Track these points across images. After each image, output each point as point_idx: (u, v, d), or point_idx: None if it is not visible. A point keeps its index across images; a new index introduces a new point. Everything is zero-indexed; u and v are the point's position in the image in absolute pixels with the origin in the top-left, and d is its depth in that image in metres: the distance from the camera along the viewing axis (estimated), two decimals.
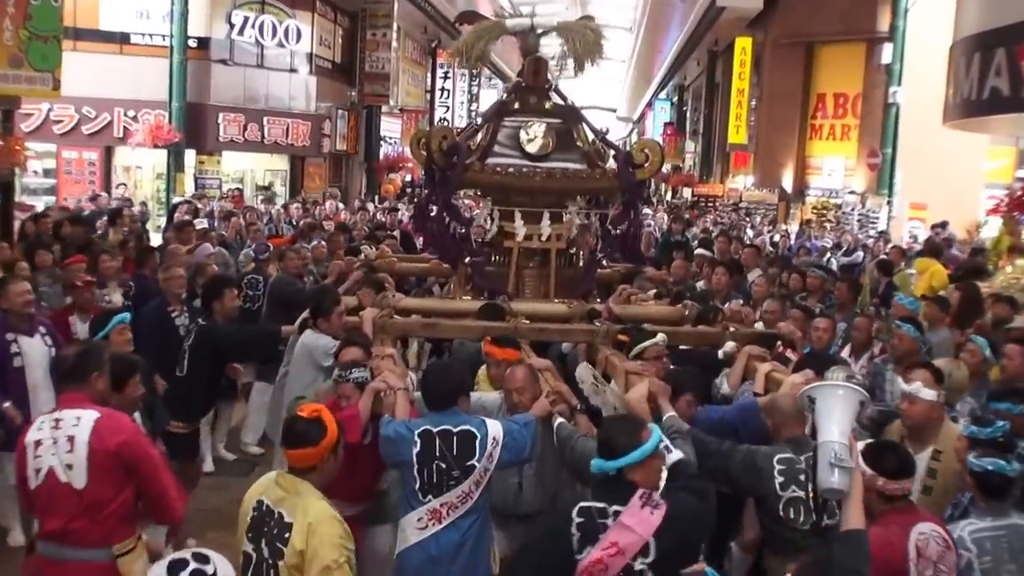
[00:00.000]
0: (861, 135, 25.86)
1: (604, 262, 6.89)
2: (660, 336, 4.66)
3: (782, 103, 27.39)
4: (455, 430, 3.75)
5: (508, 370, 4.23)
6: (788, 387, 3.99)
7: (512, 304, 6.19)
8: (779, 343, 5.39)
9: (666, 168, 43.11)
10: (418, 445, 3.73)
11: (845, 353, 6.70)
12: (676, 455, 3.21)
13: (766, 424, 3.83)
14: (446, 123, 27.71)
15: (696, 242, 14.08)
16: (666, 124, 43.70)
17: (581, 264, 6.82)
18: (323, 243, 9.87)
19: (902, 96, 22.25)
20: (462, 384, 3.89)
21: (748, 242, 13.35)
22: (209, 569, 2.31)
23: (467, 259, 6.63)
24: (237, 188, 21.75)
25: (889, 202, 22.41)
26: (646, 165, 6.51)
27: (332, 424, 3.26)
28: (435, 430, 3.76)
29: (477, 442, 3.73)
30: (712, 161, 36.13)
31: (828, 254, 15.54)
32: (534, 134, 6.61)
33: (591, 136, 6.88)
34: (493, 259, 6.73)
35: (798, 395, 3.20)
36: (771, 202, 27.65)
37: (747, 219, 23.92)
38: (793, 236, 19.35)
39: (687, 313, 6.16)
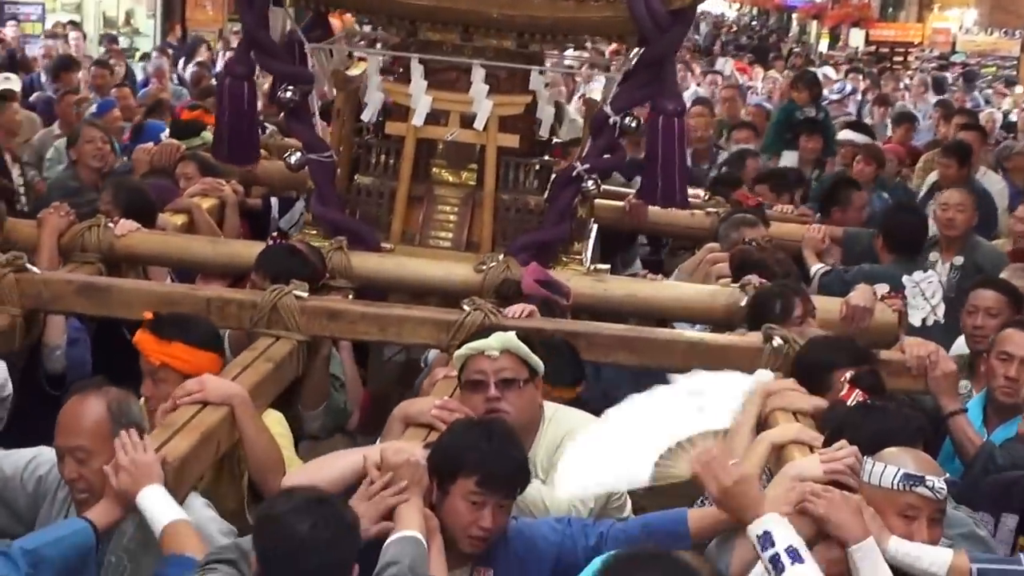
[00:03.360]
0: None
1: (590, 182, 6.40)
2: (495, 338, 4.40)
3: None
4: None
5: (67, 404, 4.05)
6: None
7: (387, 253, 6.13)
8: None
9: None
10: None
11: None
12: None
13: None
14: None
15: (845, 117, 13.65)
16: None
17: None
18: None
19: None
20: None
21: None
22: None
23: (296, 158, 6.42)
24: (71, 22, 21.38)
25: None
26: None
27: None
28: None
29: None
30: None
31: None
32: None
33: None
34: (369, 163, 6.57)
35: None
36: (1007, 54, 27.63)
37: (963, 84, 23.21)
38: None
39: (743, 303, 5.71)
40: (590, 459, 4.08)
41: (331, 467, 3.97)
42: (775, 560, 3.38)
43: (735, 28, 47.33)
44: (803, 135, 10.99)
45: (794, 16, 45.21)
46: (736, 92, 14.50)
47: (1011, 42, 27.62)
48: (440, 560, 3.67)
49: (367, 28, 8.40)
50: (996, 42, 27.87)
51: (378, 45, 7.37)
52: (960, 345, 5.80)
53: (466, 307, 5.36)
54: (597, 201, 7.13)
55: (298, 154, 6.33)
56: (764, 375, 4.89)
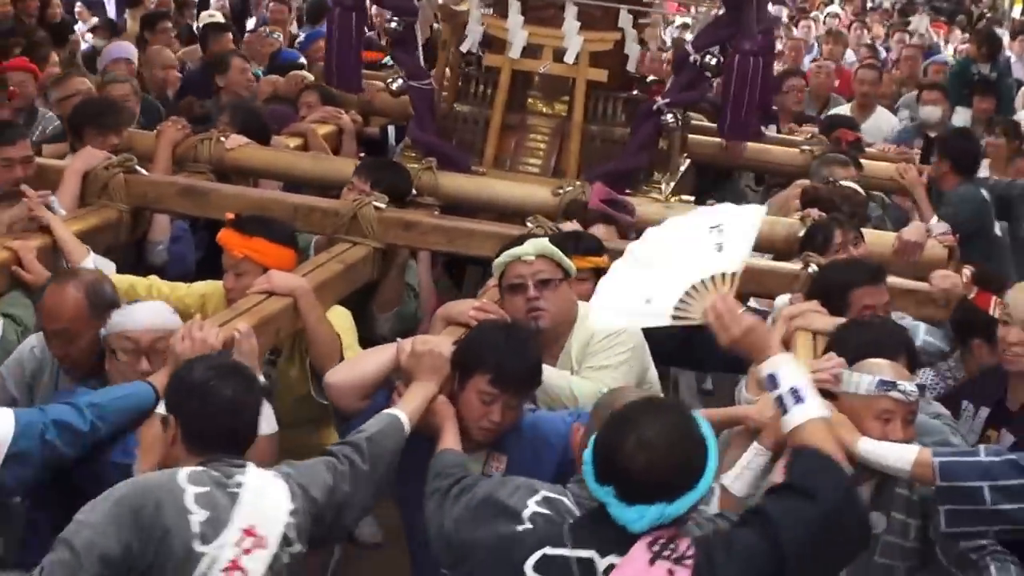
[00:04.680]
0: None
1: (669, 116, 6.44)
2: (531, 244, 4.51)
3: None
4: None
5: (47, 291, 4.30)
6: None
7: (472, 175, 6.22)
8: None
9: None
10: None
11: None
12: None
13: None
14: None
15: None
16: None
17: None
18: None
19: None
20: None
21: None
22: None
23: (398, 84, 6.61)
24: None
25: None
26: None
27: None
28: None
29: None
30: None
31: None
32: None
33: None
34: (466, 90, 6.73)
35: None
36: None
37: None
38: None
39: (802, 233, 5.70)
40: (620, 292, 4.11)
41: (369, 360, 4.15)
42: (780, 401, 3.50)
43: None
44: (976, 95, 10.52)
45: None
46: (917, 51, 13.55)
47: None
48: (454, 437, 3.84)
49: None
50: None
51: None
52: None
53: (530, 224, 5.51)
54: (693, 137, 7.17)
55: (400, 80, 6.51)
56: (782, 300, 5.00)
